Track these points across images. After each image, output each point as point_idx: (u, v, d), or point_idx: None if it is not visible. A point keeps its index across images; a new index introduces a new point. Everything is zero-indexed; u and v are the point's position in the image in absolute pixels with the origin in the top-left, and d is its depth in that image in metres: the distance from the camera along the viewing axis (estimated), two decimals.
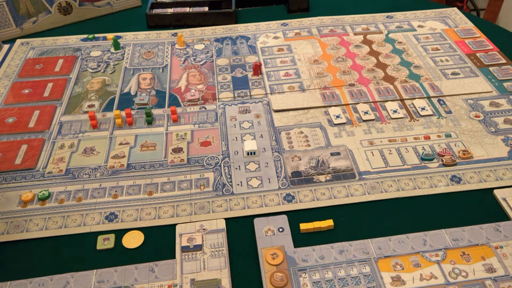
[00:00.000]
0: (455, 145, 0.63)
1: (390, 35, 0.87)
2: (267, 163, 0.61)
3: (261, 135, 0.66)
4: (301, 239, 0.51)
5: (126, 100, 0.74)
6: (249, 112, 0.70)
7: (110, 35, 0.89)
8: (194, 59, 0.82)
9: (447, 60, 0.80)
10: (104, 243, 0.52)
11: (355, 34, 0.88)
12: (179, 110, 0.71)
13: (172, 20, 0.92)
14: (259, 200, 0.56)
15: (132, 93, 0.75)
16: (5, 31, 0.89)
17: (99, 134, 0.67)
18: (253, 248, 0.51)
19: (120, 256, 0.51)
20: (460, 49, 0.82)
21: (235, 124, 0.68)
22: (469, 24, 0.89)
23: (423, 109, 0.69)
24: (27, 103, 0.73)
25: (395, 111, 0.69)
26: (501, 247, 0.50)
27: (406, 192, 0.57)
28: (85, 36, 0.90)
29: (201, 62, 0.81)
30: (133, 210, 0.56)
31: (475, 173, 0.59)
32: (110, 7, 0.97)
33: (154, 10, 0.93)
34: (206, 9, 0.93)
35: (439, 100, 0.71)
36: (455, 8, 0.95)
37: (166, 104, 0.72)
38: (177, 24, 0.92)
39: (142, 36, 0.89)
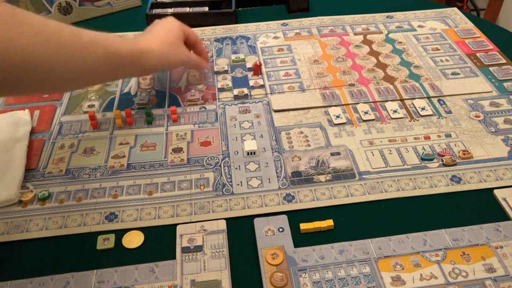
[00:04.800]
0: (455, 145, 0.63)
1: (390, 35, 0.87)
2: (267, 163, 0.61)
3: (261, 135, 0.66)
4: (301, 239, 0.51)
5: (126, 100, 0.74)
6: (249, 112, 0.70)
7: None
8: None
9: (447, 60, 0.80)
10: (104, 243, 0.52)
11: (355, 34, 0.88)
12: (179, 110, 0.71)
13: None
14: (259, 200, 0.56)
15: (132, 93, 0.75)
16: None
17: (99, 134, 0.67)
18: (253, 248, 0.51)
19: (120, 256, 0.51)
20: (460, 49, 0.82)
21: (235, 124, 0.68)
22: (469, 24, 0.89)
23: (423, 109, 0.69)
24: (27, 103, 0.73)
25: (395, 111, 0.69)
26: (501, 247, 0.50)
27: (406, 192, 0.57)
28: None
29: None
30: (133, 210, 0.56)
31: (475, 173, 0.59)
32: (110, 7, 0.97)
33: (154, 10, 0.93)
34: (206, 9, 0.93)
35: (439, 100, 0.71)
36: (455, 8, 0.95)
37: (166, 104, 0.72)
38: None
39: None
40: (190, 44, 0.71)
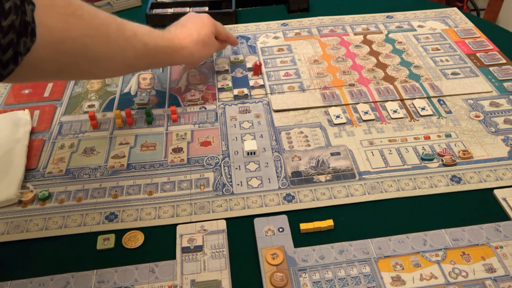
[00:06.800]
0: (455, 145, 0.63)
1: (390, 35, 0.87)
2: (267, 163, 0.61)
3: (261, 135, 0.66)
4: (301, 239, 0.51)
5: (126, 100, 0.74)
6: (249, 112, 0.70)
7: None
8: None
9: (447, 60, 0.80)
10: (104, 243, 0.52)
11: (355, 34, 0.88)
12: (179, 110, 0.71)
13: (172, 20, 0.91)
14: (259, 200, 0.56)
15: (132, 93, 0.75)
16: None
17: (99, 134, 0.67)
18: (253, 248, 0.51)
19: (120, 256, 0.51)
20: (460, 49, 0.82)
21: (235, 124, 0.68)
22: (469, 24, 0.89)
23: (423, 109, 0.69)
24: (27, 103, 0.73)
25: (395, 111, 0.69)
26: (501, 247, 0.50)
27: (406, 192, 0.57)
28: None
29: (201, 62, 0.81)
30: (133, 210, 0.56)
31: (475, 173, 0.59)
32: (110, 7, 0.97)
33: (154, 10, 0.93)
34: (206, 9, 0.93)
35: (439, 100, 0.71)
36: (455, 8, 0.95)
37: (166, 104, 0.72)
38: None
39: None
40: (221, 40, 0.75)
